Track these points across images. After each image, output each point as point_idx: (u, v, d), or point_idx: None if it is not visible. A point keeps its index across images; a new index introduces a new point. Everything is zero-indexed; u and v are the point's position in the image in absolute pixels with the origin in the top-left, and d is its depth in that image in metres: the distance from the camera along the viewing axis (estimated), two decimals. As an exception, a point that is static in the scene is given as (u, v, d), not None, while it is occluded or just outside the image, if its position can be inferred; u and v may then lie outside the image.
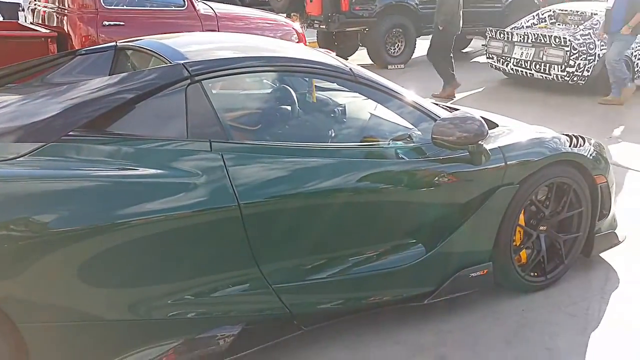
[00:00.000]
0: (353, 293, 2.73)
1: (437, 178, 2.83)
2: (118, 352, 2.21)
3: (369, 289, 2.76)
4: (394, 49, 11.10)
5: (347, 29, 11.12)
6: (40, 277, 1.99)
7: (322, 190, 2.56)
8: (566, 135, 3.40)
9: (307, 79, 3.46)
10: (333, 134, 3.19)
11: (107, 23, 5.86)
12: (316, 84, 3.52)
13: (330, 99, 3.54)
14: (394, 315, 2.93)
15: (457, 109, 3.27)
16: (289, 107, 3.27)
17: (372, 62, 10.91)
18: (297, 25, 7.26)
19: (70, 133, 2.22)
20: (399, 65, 10.94)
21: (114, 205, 2.12)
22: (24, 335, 1.98)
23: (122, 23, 5.89)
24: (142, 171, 2.21)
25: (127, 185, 2.16)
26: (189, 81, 2.46)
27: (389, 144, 2.93)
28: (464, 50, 13.44)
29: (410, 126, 2.99)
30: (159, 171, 2.23)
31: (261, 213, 2.40)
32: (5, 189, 1.98)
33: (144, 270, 2.22)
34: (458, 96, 8.49)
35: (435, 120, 2.87)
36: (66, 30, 5.58)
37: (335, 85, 3.34)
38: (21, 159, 2.10)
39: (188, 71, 2.48)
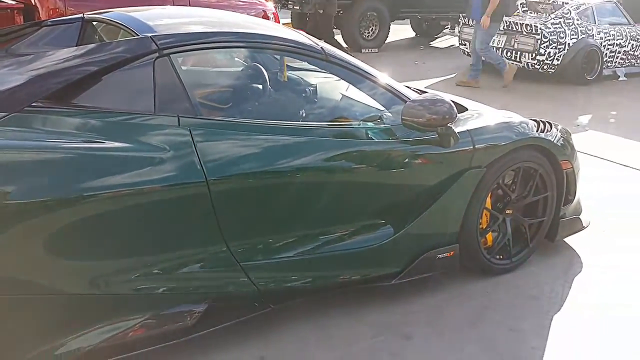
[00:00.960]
0: (321, 272, 2.73)
1: (406, 159, 2.84)
2: (83, 326, 2.18)
3: (337, 268, 2.76)
4: (368, 33, 11.09)
5: (320, 11, 11.03)
6: (0, 248, 1.95)
7: (291, 168, 2.55)
8: (534, 120, 3.44)
9: (278, 58, 3.44)
10: (304, 114, 3.18)
11: (75, -5, 5.70)
12: (288, 64, 3.50)
13: (302, 78, 3.52)
14: (362, 295, 2.95)
15: (426, 92, 3.27)
16: (259, 85, 3.24)
17: (346, 46, 10.89)
18: (270, 4, 7.19)
19: (34, 104, 2.17)
20: (372, 50, 10.94)
21: (78, 178, 2.08)
22: None
23: (91, -4, 5.74)
24: (108, 144, 2.17)
25: (92, 158, 2.12)
26: (157, 54, 2.41)
27: (359, 124, 2.93)
28: (437, 36, 13.50)
29: (381, 107, 2.99)
30: (125, 145, 2.19)
31: (229, 190, 2.38)
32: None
33: (108, 244, 2.18)
34: (430, 82, 8.52)
35: (406, 102, 2.88)
36: (33, 2, 5.41)
37: (308, 66, 3.34)
38: (-18, 128, 2.05)
39: (156, 44, 2.43)
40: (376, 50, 11.00)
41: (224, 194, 2.36)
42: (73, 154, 2.09)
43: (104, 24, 3.09)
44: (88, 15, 3.15)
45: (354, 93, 3.13)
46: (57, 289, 2.09)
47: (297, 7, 10.89)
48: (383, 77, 3.02)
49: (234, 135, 2.46)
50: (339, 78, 3.00)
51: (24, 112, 2.14)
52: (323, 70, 3.00)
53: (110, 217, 2.15)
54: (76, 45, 3.02)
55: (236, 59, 3.58)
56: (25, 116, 2.13)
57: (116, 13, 2.97)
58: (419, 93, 3.34)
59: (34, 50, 2.90)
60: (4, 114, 2.10)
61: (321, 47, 2.87)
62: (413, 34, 13.61)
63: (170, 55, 2.44)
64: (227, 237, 2.41)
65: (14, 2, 5.06)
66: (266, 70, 3.30)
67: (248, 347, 2.59)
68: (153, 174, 2.20)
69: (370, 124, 2.93)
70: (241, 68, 3.46)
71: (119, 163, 2.16)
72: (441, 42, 12.97)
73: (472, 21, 8.53)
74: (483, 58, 8.24)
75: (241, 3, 6.97)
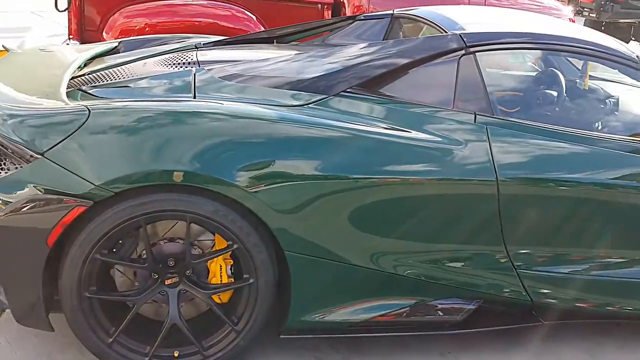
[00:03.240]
0: (600, 297, 2.54)
1: None
2: (359, 296, 2.34)
3: (620, 296, 2.55)
4: (674, 46, 9.88)
5: (620, 20, 10.18)
6: (307, 215, 2.17)
7: (584, 180, 2.42)
8: None
9: (580, 65, 3.28)
10: (600, 126, 2.97)
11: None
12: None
13: (602, 88, 3.30)
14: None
15: None
16: (555, 91, 3.12)
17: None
18: (568, 10, 6.80)
19: (348, 89, 2.39)
20: (676, 66, 9.71)
21: (381, 160, 2.23)
22: (288, 260, 2.20)
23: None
24: (409, 134, 2.29)
25: (395, 145, 2.25)
26: (463, 52, 2.48)
27: (669, 143, 2.64)
28: None
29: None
30: (426, 136, 2.30)
31: (517, 193, 2.35)
32: (293, 131, 2.20)
33: (394, 226, 2.29)
34: None
35: None
36: (340, -2, 5.91)
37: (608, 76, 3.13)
38: (306, 107, 2.32)
39: (464, 42, 2.50)
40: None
41: (511, 196, 2.33)
42: (378, 138, 2.25)
43: (411, 21, 3.24)
44: (397, 11, 3.35)
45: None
46: (344, 258, 2.26)
47: (594, 15, 10.17)
48: None
49: (528, 138, 2.42)
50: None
51: (339, 96, 2.37)
52: (635, 80, 2.77)
53: (399, 201, 2.26)
54: (383, 40, 3.25)
55: (530, 63, 3.50)
56: (340, 100, 2.37)
57: (425, 10, 3.09)
58: None
59: (348, 42, 3.18)
60: (323, 96, 2.36)
61: (637, 56, 2.66)
62: None
63: (476, 53, 2.49)
64: (507, 240, 2.38)
65: (324, -2, 5.58)
66: (563, 76, 3.16)
67: (512, 356, 2.53)
68: (448, 167, 2.27)
69: (682, 145, 2.63)
70: (537, 72, 3.36)
71: (420, 153, 2.26)
72: None
73: None
74: None
75: (534, 6, 6.71)
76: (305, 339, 2.44)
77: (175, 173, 2.06)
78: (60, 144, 2.02)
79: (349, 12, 5.54)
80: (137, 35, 4.41)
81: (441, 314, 2.40)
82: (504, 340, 2.58)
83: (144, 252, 2.18)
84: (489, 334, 2.50)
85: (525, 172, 2.36)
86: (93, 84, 2.50)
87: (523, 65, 3.42)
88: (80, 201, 2.00)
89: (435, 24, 2.80)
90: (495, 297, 2.43)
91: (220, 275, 2.25)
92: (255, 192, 2.10)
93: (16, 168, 2.09)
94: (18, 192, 2.03)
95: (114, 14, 5.06)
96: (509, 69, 3.31)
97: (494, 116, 2.44)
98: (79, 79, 2.61)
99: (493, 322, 2.48)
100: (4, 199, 2.05)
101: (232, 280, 2.27)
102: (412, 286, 2.36)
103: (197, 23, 5.02)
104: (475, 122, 2.38)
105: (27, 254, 2.05)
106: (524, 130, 2.43)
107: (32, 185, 2.03)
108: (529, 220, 2.41)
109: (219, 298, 2.28)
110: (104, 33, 5.03)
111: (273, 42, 3.46)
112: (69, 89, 2.36)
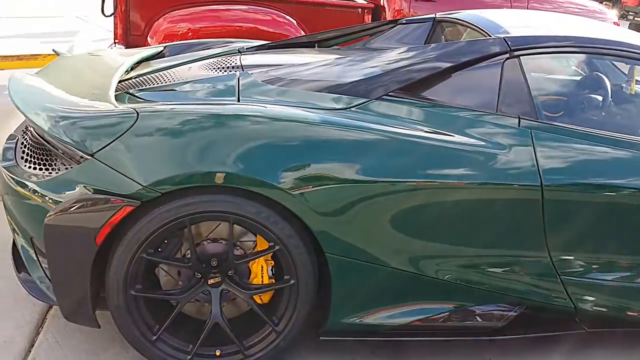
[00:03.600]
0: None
1: None
2: (399, 299, 2.34)
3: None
4: None
5: (667, 24, 9.91)
6: (348, 217, 2.17)
7: (629, 186, 2.37)
8: None
9: (626, 69, 3.22)
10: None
11: (419, -2, 5.99)
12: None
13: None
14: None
15: None
16: (600, 96, 3.07)
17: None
18: (612, 13, 6.65)
19: (390, 93, 2.39)
20: None
21: (423, 164, 2.22)
22: (329, 262, 2.21)
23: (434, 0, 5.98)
24: (452, 137, 2.28)
25: (437, 149, 2.25)
26: (507, 55, 2.46)
27: None
28: None
29: None
30: (468, 140, 2.28)
31: (562, 198, 2.31)
32: (336, 134, 2.21)
33: (435, 230, 2.28)
34: None
35: None
36: (381, 2, 5.91)
37: None
38: (348, 110, 2.33)
39: (508, 45, 2.48)
40: None
41: (556, 201, 2.30)
42: (420, 142, 2.24)
43: (453, 24, 3.23)
44: (439, 15, 3.34)
45: None
46: (384, 261, 2.26)
47: (639, 19, 9.94)
48: None
49: (573, 143, 2.39)
50: None
51: (381, 99, 2.38)
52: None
53: (441, 205, 2.25)
54: (425, 44, 3.24)
55: (574, 67, 3.45)
56: (381, 103, 2.37)
57: (468, 14, 3.08)
58: None
59: (389, 46, 3.18)
60: (364, 99, 2.37)
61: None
62: None
63: (520, 57, 2.46)
64: (551, 246, 2.34)
65: (365, 2, 5.59)
66: (608, 80, 3.11)
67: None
68: (491, 171, 2.24)
69: None
70: (582, 76, 3.31)
71: (463, 156, 2.25)
72: None
73: None
74: None
75: (578, 10, 6.60)
76: (345, 342, 2.45)
77: (217, 174, 2.08)
78: (109, 146, 2.08)
79: (389, 17, 5.53)
80: (180, 40, 4.50)
81: (482, 319, 2.38)
82: (545, 347, 2.54)
83: (188, 251, 2.22)
84: (531, 340, 2.47)
85: (570, 177, 2.32)
86: (140, 87, 2.56)
87: (567, 69, 3.37)
88: (128, 201, 2.04)
89: (479, 28, 2.79)
90: (538, 303, 2.40)
91: (262, 276, 2.28)
92: (297, 194, 2.11)
93: (66, 168, 2.16)
94: (68, 192, 2.10)
95: (159, 19, 5.18)
96: (554, 73, 3.27)
97: (539, 120, 2.41)
98: (126, 82, 2.68)
99: (535, 328, 2.45)
100: (55, 198, 2.11)
101: (273, 281, 2.30)
102: (452, 291, 2.35)
103: (238, 28, 5.10)
104: (519, 126, 2.36)
105: (76, 253, 2.10)
106: (568, 134, 2.40)
107: (81, 185, 2.09)
108: (573, 226, 2.37)
109: (260, 298, 2.31)
110: (148, 37, 5.14)
111: (314, 47, 3.49)
112: (117, 92, 2.42)
